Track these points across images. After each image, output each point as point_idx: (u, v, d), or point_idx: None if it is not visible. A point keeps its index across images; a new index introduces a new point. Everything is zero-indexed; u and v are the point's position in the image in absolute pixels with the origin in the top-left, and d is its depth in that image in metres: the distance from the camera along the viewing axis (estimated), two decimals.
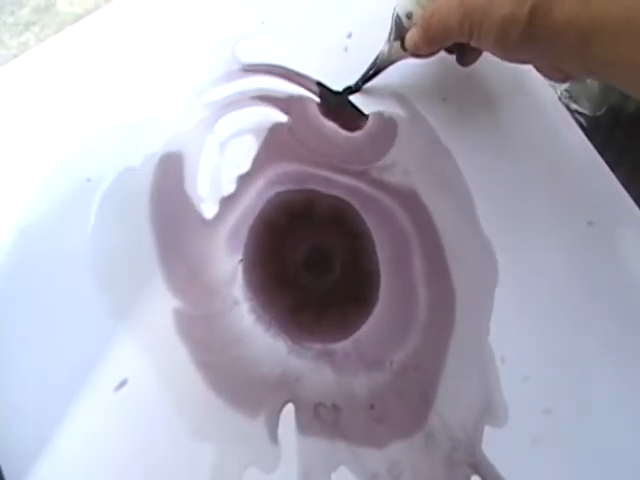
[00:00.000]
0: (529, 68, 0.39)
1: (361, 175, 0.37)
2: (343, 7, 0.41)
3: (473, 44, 0.32)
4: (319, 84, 0.39)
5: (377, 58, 0.38)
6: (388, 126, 0.39)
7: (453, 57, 0.37)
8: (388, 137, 0.38)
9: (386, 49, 0.37)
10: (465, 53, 0.36)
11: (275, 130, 0.38)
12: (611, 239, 0.37)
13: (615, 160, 0.39)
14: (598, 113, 0.41)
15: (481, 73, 0.40)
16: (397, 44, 0.36)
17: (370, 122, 0.39)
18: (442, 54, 0.36)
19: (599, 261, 0.37)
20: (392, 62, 0.37)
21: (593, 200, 0.38)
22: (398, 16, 0.35)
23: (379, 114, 0.39)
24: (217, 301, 0.34)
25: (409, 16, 0.34)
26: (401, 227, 0.36)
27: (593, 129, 0.40)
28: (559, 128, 0.39)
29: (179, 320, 0.33)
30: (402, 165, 0.38)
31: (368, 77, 0.39)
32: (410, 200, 0.37)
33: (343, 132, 0.38)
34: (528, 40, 0.29)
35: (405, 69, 0.39)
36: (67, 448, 0.31)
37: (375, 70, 0.38)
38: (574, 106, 0.41)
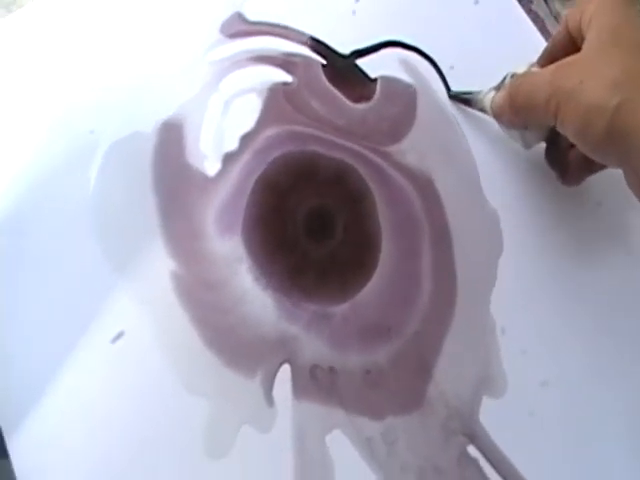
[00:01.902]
0: (539, 38, 0.39)
1: (368, 145, 0.37)
2: None
3: (558, 128, 0.30)
4: (326, 46, 0.38)
5: (475, 92, 0.37)
6: (408, 103, 0.38)
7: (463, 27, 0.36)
8: (408, 117, 0.37)
9: (485, 90, 0.36)
10: (567, 169, 0.34)
11: (279, 91, 0.37)
12: (618, 220, 0.37)
13: None
14: None
15: (489, 40, 0.39)
16: (493, 94, 0.35)
17: (383, 93, 0.38)
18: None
19: (605, 240, 0.36)
20: (481, 109, 0.36)
21: (602, 182, 0.37)
22: (508, 73, 0.34)
23: (392, 83, 0.38)
24: (216, 261, 0.33)
25: (513, 77, 0.33)
26: (405, 195, 0.36)
27: None
28: None
29: (177, 278, 0.33)
30: (420, 147, 0.37)
31: (459, 100, 0.38)
32: (417, 174, 0.36)
33: (349, 101, 0.38)
34: (610, 136, 0.27)
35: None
36: (63, 398, 0.31)
37: (467, 101, 0.37)
38: None
